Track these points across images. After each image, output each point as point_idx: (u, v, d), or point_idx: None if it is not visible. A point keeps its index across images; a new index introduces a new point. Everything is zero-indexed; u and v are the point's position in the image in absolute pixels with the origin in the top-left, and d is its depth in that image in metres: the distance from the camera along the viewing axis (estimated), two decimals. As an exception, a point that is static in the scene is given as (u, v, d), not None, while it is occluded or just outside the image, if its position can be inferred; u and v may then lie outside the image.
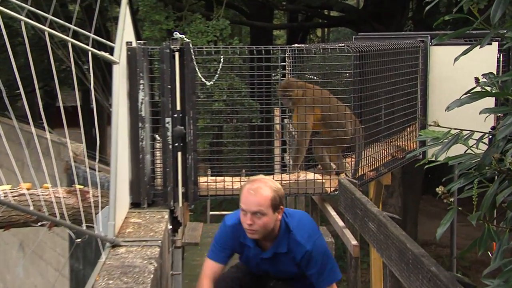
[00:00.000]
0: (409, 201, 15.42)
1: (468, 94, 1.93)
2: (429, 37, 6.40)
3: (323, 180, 4.92)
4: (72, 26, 4.16)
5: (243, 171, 5.66)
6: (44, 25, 3.41)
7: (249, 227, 3.19)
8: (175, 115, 4.41)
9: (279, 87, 5.05)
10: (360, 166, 5.20)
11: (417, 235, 15.57)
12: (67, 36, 3.55)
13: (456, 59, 2.08)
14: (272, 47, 4.82)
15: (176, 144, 4.42)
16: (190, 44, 4.50)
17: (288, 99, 5.04)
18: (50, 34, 3.38)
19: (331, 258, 3.41)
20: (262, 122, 5.36)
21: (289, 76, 5.23)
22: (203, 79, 4.57)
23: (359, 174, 5.18)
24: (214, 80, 4.73)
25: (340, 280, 3.37)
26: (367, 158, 5.30)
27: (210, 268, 3.45)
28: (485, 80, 1.99)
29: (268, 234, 3.25)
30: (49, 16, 3.61)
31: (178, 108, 4.41)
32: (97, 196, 4.23)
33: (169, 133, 4.39)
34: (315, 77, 5.84)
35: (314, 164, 5.41)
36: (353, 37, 7.09)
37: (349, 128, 4.99)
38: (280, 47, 5.14)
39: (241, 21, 18.77)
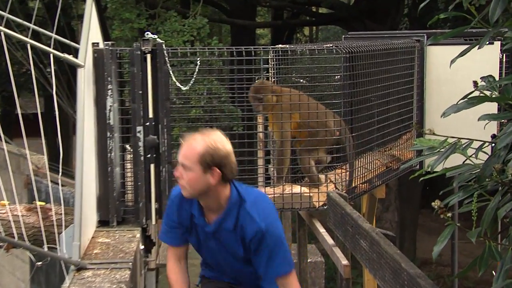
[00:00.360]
0: (406, 215, 15.49)
1: (466, 99, 1.96)
2: (425, 36, 6.46)
3: (311, 194, 4.94)
4: (31, 26, 4.15)
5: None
6: (0, 24, 3.40)
7: (178, 179, 3.18)
8: (147, 123, 4.41)
9: (250, 91, 4.99)
10: (352, 177, 5.22)
11: (415, 253, 15.64)
12: (27, 36, 3.54)
13: (453, 61, 2.11)
14: (254, 48, 4.83)
15: (149, 155, 4.41)
16: (164, 45, 4.51)
17: (258, 105, 5.00)
18: (6, 35, 3.37)
19: (285, 246, 3.28)
20: (244, 130, 5.36)
21: (263, 79, 5.19)
22: (178, 84, 4.57)
23: (351, 186, 5.20)
24: (190, 84, 4.73)
25: (290, 272, 3.26)
26: (359, 169, 5.32)
27: (170, 252, 3.49)
28: (484, 83, 2.02)
29: (203, 198, 3.19)
30: (6, 14, 3.60)
31: (151, 115, 4.40)
32: (61, 214, 4.20)
33: (140, 143, 4.39)
34: (302, 80, 5.87)
35: (301, 176, 5.43)
36: (343, 36, 7.14)
37: (333, 128, 4.99)
38: (263, 48, 5.16)
39: (221, 19, 18.81)
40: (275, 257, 3.20)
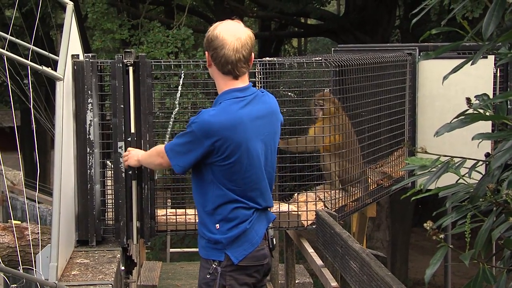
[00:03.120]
0: (398, 234, 15.52)
1: (460, 118, 1.97)
2: (417, 50, 6.51)
3: (299, 213, 4.94)
4: (8, 36, 4.15)
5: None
6: (-24, 35, 3.39)
7: None
8: (129, 139, 4.40)
9: (316, 95, 5.34)
10: (341, 196, 5.24)
11: (407, 273, 15.66)
12: (2, 46, 3.54)
13: (445, 77, 2.13)
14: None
15: (130, 172, 4.40)
16: (146, 57, 4.51)
17: (319, 109, 5.28)
18: (-17, 46, 3.36)
19: (185, 135, 3.19)
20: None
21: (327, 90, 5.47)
22: (176, 102, 4.57)
23: (340, 205, 5.21)
24: (178, 98, 4.75)
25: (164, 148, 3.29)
26: (350, 185, 5.33)
27: None
28: (478, 102, 2.04)
29: (216, 87, 3.28)
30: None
31: (133, 130, 4.39)
32: (37, 233, 4.19)
33: (121, 159, 4.37)
34: (290, 93, 5.88)
35: (288, 194, 5.43)
36: (332, 49, 7.18)
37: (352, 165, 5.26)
38: (250, 61, 5.16)
39: (206, 29, 18.87)
40: (178, 135, 3.27)
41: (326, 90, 5.41)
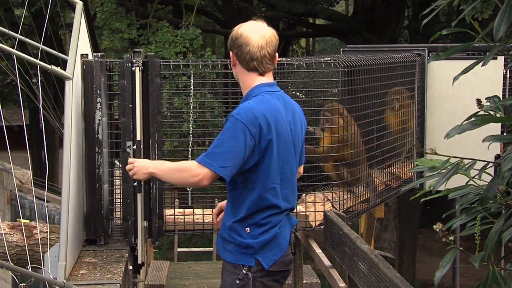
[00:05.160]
0: (406, 235, 15.50)
1: (471, 119, 1.96)
2: (426, 50, 6.48)
3: (307, 213, 4.94)
4: (18, 36, 4.16)
5: (216, 201, 5.64)
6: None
7: None
8: (138, 138, 4.39)
9: (325, 107, 5.32)
10: (349, 197, 5.23)
11: (415, 274, 15.63)
12: (12, 45, 3.55)
13: (455, 78, 2.12)
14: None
15: (135, 184, 4.38)
16: (155, 56, 4.51)
17: (325, 120, 5.24)
18: (-8, 45, 3.37)
19: (225, 138, 3.00)
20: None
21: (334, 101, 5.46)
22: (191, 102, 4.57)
23: (348, 206, 5.20)
24: (190, 97, 4.75)
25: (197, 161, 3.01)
26: (357, 187, 5.32)
27: None
28: (489, 103, 2.03)
29: (242, 89, 3.25)
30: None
31: (141, 130, 4.39)
32: (46, 232, 4.20)
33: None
34: (298, 94, 5.88)
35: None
36: (341, 49, 7.16)
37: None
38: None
39: (214, 29, 18.90)
40: (216, 139, 3.05)
41: (335, 101, 5.41)
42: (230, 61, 4.80)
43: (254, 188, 3.07)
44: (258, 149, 3.02)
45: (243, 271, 3.10)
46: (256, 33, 3.13)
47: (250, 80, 3.17)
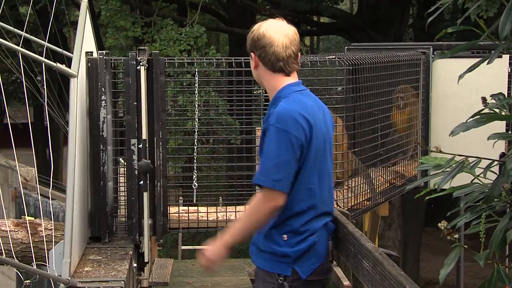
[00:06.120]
0: (409, 234, 15.48)
1: (476, 117, 1.96)
2: (431, 49, 6.48)
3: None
4: (23, 33, 4.17)
5: (220, 199, 5.66)
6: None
7: None
8: (144, 137, 4.40)
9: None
10: (353, 194, 5.23)
11: (419, 272, 15.61)
12: (16, 43, 3.56)
13: (461, 77, 2.12)
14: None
15: (142, 183, 4.39)
16: (159, 54, 4.52)
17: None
18: (-3, 43, 3.38)
19: (276, 140, 2.88)
20: (242, 144, 5.37)
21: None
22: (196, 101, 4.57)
23: (352, 203, 5.20)
24: (195, 95, 4.76)
25: (259, 184, 2.89)
26: (361, 185, 5.32)
27: None
28: (494, 101, 2.03)
29: (267, 91, 3.14)
30: (-3, 22, 3.61)
31: (146, 128, 4.40)
32: (50, 229, 4.21)
33: (134, 156, 4.38)
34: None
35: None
36: (346, 48, 7.16)
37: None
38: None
39: (219, 27, 18.87)
40: (265, 145, 2.91)
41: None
42: (234, 59, 4.82)
43: (296, 190, 2.94)
44: (305, 150, 2.93)
45: (279, 280, 2.98)
46: (279, 32, 3.01)
47: (276, 82, 3.05)
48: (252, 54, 3.07)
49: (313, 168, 2.98)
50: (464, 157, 2.12)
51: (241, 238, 3.03)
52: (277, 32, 3.01)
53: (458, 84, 4.56)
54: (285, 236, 2.98)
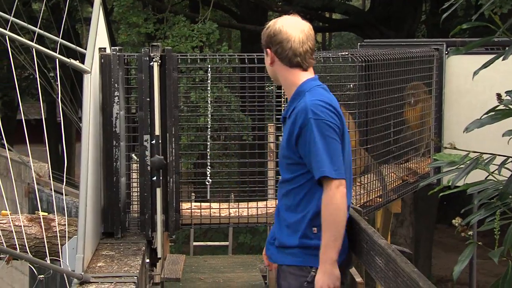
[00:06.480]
0: (422, 231, 15.44)
1: (490, 114, 1.95)
2: (444, 45, 6.45)
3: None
4: (37, 29, 4.19)
5: (232, 196, 5.66)
6: (5, 28, 3.43)
7: None
8: (157, 133, 4.41)
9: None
10: (365, 191, 5.22)
11: (431, 270, 15.57)
12: (29, 39, 3.57)
13: (475, 73, 2.11)
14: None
15: (155, 178, 4.40)
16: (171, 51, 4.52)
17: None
18: (11, 38, 3.39)
19: (319, 133, 2.88)
20: (255, 140, 5.37)
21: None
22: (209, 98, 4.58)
23: (364, 200, 5.19)
24: (207, 91, 4.76)
25: (325, 176, 2.86)
26: (374, 182, 5.31)
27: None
28: (510, 97, 2.02)
29: (284, 87, 3.14)
30: (10, 18, 3.63)
31: (158, 124, 4.41)
32: (64, 225, 4.23)
33: (147, 152, 4.40)
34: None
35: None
36: (358, 44, 7.15)
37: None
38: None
39: (231, 24, 18.87)
40: (310, 142, 2.89)
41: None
42: (247, 55, 4.82)
43: None
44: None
45: (312, 273, 2.99)
46: (295, 28, 3.03)
47: (294, 77, 3.06)
48: (267, 50, 3.08)
49: (348, 153, 3.03)
50: (478, 153, 2.12)
51: (341, 241, 2.99)
52: (293, 27, 3.03)
53: (471, 80, 4.54)
54: (315, 228, 2.99)
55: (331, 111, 2.93)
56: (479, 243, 2.07)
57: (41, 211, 4.37)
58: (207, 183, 4.88)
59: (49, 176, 9.87)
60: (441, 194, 2.36)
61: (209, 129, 4.96)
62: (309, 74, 3.09)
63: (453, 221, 1.97)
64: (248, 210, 4.84)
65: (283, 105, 4.96)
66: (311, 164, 2.92)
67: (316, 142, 2.88)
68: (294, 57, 3.02)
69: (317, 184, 2.93)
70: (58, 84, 4.07)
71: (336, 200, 2.89)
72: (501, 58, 2.07)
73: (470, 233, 1.96)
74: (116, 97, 4.36)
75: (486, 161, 2.10)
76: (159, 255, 4.46)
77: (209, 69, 4.79)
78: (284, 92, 4.61)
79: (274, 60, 3.07)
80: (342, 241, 2.99)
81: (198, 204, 4.91)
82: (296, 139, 2.97)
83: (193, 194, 5.46)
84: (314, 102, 2.93)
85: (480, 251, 2.00)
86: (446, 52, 6.38)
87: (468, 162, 2.12)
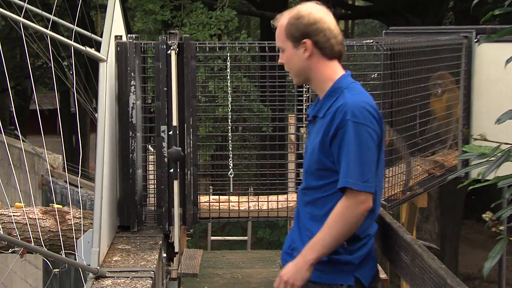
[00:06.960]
0: (448, 226, 15.37)
1: (522, 103, 1.94)
2: (474, 33, 6.39)
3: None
4: (51, 16, 4.21)
5: (251, 189, 5.66)
6: (18, 15, 3.44)
7: (285, 68, 2.99)
8: (174, 124, 4.42)
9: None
10: (390, 185, 5.20)
11: (457, 267, 15.50)
12: (45, 26, 3.59)
13: (508, 61, 2.09)
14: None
15: (172, 170, 4.41)
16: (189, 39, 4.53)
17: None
18: (25, 25, 3.41)
19: (357, 138, 2.72)
20: (275, 132, 5.36)
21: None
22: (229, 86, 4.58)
23: (389, 194, 5.17)
24: (227, 80, 4.77)
25: (346, 187, 2.72)
26: (399, 175, 5.29)
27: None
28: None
29: (311, 84, 2.97)
30: (24, 4, 3.65)
31: (176, 114, 4.42)
32: (79, 218, 4.25)
33: (164, 144, 4.41)
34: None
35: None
36: (383, 32, 7.10)
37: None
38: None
39: (250, 11, 18.85)
40: (344, 146, 2.74)
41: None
42: (267, 43, 4.81)
43: None
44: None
45: None
46: (329, 16, 2.89)
47: (331, 71, 2.91)
48: (305, 42, 2.87)
49: (379, 168, 2.86)
50: (510, 145, 2.10)
51: (329, 251, 2.81)
52: (328, 15, 2.90)
53: (502, 69, 4.50)
54: (345, 243, 2.84)
55: (373, 115, 2.77)
56: (511, 238, 2.06)
57: (56, 204, 4.40)
58: (230, 175, 4.87)
59: (64, 168, 9.93)
60: (470, 188, 2.34)
61: (230, 120, 4.95)
62: (342, 69, 2.96)
63: (484, 215, 1.96)
64: (268, 203, 4.84)
65: (305, 95, 4.94)
66: (339, 170, 2.79)
67: (350, 148, 2.73)
68: (336, 45, 2.88)
69: (340, 192, 2.78)
70: (73, 73, 4.09)
71: (350, 214, 2.74)
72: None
73: (501, 228, 1.95)
74: (133, 87, 4.37)
75: (518, 153, 2.09)
76: (176, 250, 4.48)
77: (228, 57, 4.79)
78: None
79: (312, 52, 2.87)
80: (329, 251, 2.81)
81: (217, 197, 4.91)
82: (330, 140, 2.81)
83: (211, 187, 5.47)
84: (355, 102, 2.77)
85: (510, 247, 1.98)
86: (476, 40, 6.32)
87: (499, 154, 2.10)
